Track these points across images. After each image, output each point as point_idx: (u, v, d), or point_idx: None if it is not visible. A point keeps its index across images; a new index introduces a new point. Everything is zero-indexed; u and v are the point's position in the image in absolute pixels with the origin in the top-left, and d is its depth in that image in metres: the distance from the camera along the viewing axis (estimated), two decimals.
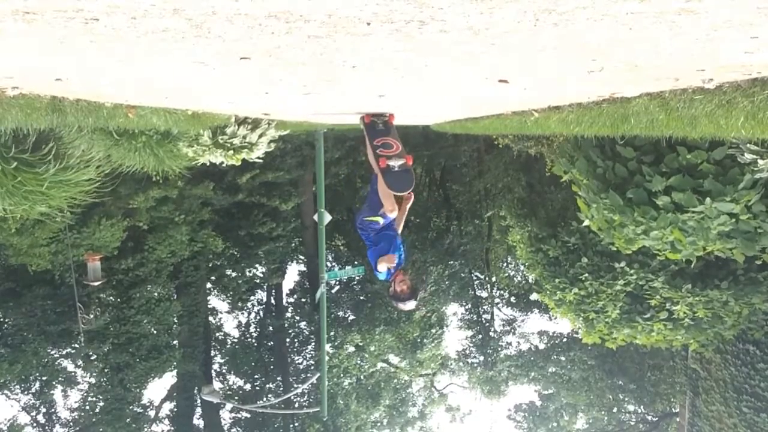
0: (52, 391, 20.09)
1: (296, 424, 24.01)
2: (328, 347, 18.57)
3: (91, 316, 16.14)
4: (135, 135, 5.61)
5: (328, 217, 13.44)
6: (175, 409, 22.82)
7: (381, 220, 4.66)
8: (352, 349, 23.17)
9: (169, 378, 21.97)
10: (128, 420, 19.66)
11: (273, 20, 1.30)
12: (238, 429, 24.50)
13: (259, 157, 7.51)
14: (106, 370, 19.09)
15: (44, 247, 13.50)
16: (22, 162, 4.09)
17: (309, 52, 1.71)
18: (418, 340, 23.93)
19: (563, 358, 22.29)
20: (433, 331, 24.57)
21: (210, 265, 21.89)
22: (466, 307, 26.90)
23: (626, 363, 18.74)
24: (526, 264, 12.94)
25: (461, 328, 26.63)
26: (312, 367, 24.38)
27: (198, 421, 23.74)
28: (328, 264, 22.60)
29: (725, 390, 11.89)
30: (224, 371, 24.97)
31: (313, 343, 24.60)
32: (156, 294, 18.67)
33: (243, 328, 25.38)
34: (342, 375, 23.03)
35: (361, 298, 24.30)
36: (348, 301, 24.48)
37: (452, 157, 25.07)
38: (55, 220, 10.58)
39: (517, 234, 12.69)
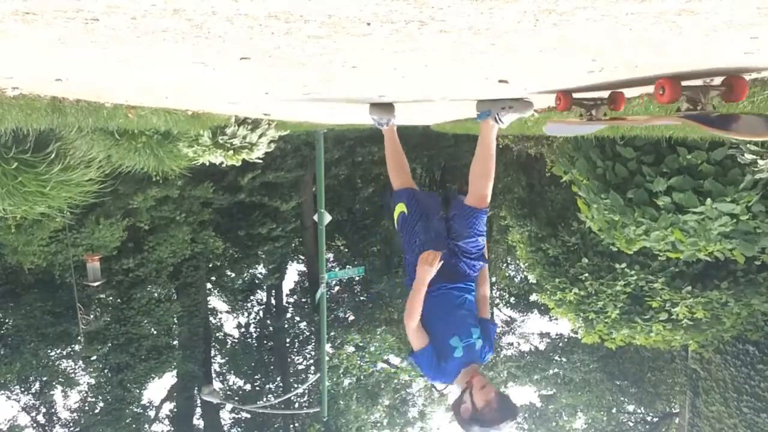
0: (52, 392, 20.11)
1: (296, 424, 24.01)
2: (328, 347, 18.57)
3: (91, 316, 16.15)
4: (135, 135, 5.62)
5: (328, 217, 13.46)
6: (175, 409, 22.83)
7: (404, 208, 3.13)
8: (352, 349, 23.17)
9: (169, 378, 22.02)
10: (128, 420, 19.67)
11: (273, 20, 1.30)
12: (238, 429, 24.50)
13: (259, 158, 7.52)
14: (106, 371, 19.10)
15: (44, 248, 13.50)
16: (22, 162, 4.09)
17: (309, 53, 1.71)
18: None
19: (564, 359, 22.29)
20: None
21: (210, 265, 21.89)
22: None
23: (626, 364, 18.75)
24: (526, 264, 12.94)
25: None
26: (312, 367, 24.39)
27: (198, 421, 23.76)
28: (328, 264, 22.60)
29: (725, 390, 11.89)
30: (224, 371, 24.99)
31: (313, 343, 24.60)
32: (156, 294, 18.68)
33: (243, 328, 25.39)
34: (342, 375, 23.04)
35: (361, 298, 24.31)
36: (348, 301, 24.48)
37: (452, 157, 25.06)
38: (55, 221, 10.60)
39: (517, 234, 12.69)
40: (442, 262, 2.86)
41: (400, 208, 3.14)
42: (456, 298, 2.93)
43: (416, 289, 2.84)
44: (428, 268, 2.80)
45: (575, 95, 2.66)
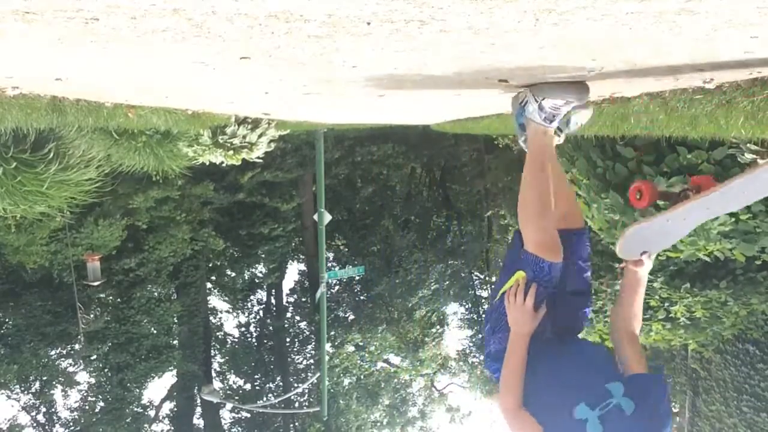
0: (52, 392, 20.10)
1: (296, 424, 24.02)
2: (328, 347, 18.57)
3: (91, 316, 16.14)
4: (135, 135, 5.62)
5: (328, 217, 13.47)
6: (175, 409, 22.82)
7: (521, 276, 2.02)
8: (352, 349, 23.18)
9: (169, 378, 22.00)
10: (128, 420, 19.66)
11: (273, 20, 1.30)
12: (238, 429, 24.50)
13: (259, 157, 7.53)
14: (106, 370, 19.10)
15: (43, 247, 13.50)
16: (21, 162, 4.09)
17: (309, 53, 1.71)
18: (419, 340, 23.94)
19: None
20: (433, 330, 24.57)
21: (210, 264, 21.90)
22: (466, 306, 26.90)
23: None
24: None
25: (461, 328, 26.64)
26: (312, 367, 24.39)
27: (198, 421, 23.76)
28: (328, 264, 22.61)
29: (725, 390, 11.89)
30: (224, 371, 24.98)
31: (313, 343, 24.60)
32: (156, 294, 18.68)
33: (243, 328, 25.39)
34: (342, 375, 23.04)
35: (361, 298, 24.31)
36: (348, 301, 24.48)
37: (452, 157, 25.06)
38: (55, 220, 10.60)
39: None
40: (545, 309, 1.94)
41: (519, 276, 2.03)
42: (576, 350, 1.97)
43: (510, 350, 1.90)
44: (522, 312, 1.88)
45: (660, 188, 2.08)
